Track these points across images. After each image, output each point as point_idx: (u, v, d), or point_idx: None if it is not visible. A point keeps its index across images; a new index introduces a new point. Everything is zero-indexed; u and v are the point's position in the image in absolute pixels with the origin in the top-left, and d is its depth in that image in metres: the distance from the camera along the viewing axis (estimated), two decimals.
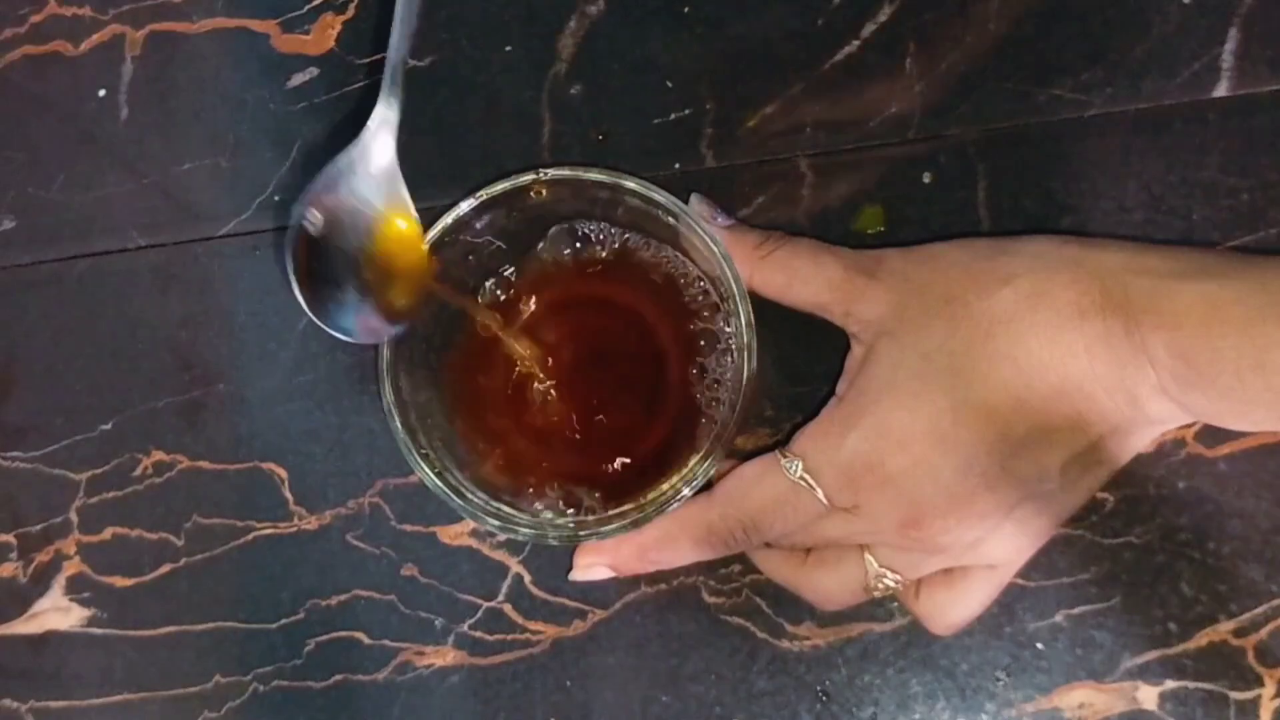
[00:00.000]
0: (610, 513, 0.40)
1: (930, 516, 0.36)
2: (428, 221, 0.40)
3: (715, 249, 0.39)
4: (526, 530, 0.39)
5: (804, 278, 0.39)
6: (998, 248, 0.38)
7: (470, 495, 0.39)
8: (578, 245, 0.42)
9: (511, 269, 0.42)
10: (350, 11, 0.46)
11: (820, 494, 0.37)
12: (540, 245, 0.42)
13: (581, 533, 0.39)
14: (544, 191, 0.40)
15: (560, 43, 0.45)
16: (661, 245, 0.42)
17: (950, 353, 0.36)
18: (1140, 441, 0.38)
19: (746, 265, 0.40)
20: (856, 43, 0.44)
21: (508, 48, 0.45)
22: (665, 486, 0.40)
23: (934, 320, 0.37)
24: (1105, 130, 0.43)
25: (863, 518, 0.37)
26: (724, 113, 0.44)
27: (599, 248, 0.42)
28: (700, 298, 0.42)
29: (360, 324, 0.36)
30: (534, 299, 0.42)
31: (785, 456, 0.38)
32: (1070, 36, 0.43)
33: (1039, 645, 0.41)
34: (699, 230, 0.39)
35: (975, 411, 0.35)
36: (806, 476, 0.37)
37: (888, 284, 0.38)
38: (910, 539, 0.37)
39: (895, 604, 0.42)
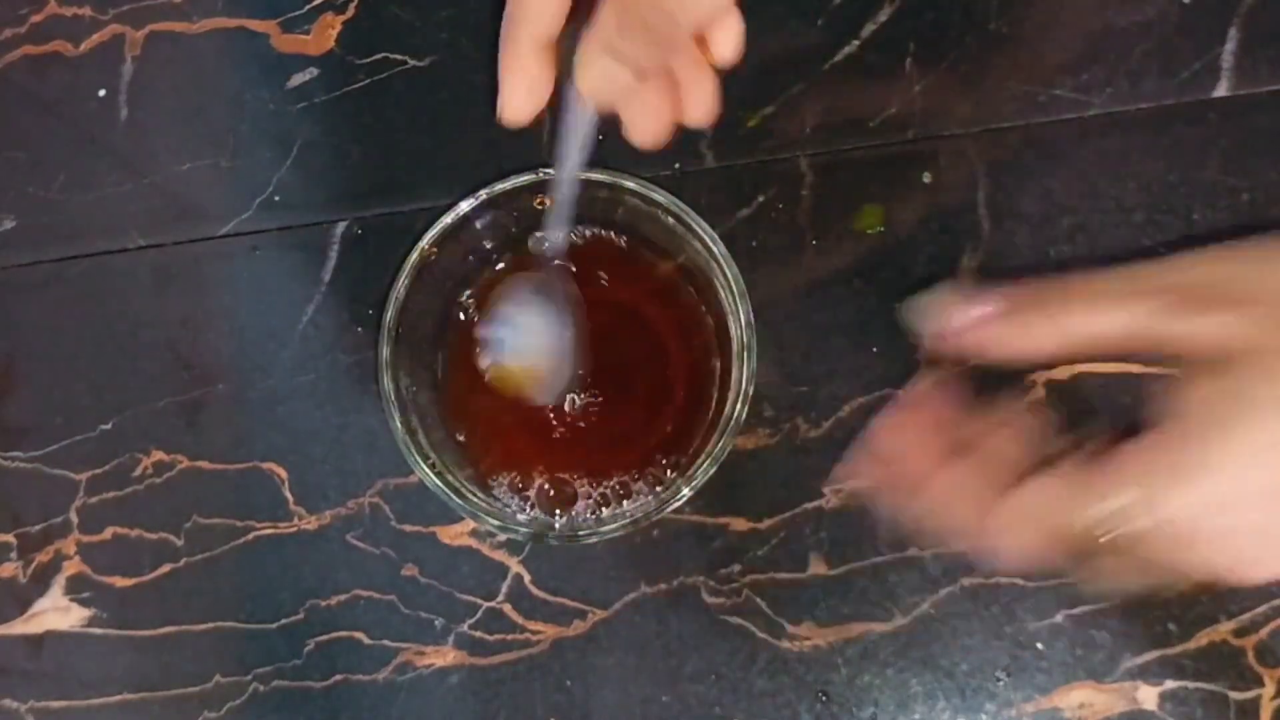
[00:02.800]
0: (609, 513, 0.41)
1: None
2: (428, 221, 0.40)
3: (715, 248, 0.39)
4: (525, 530, 0.39)
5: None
6: None
7: (470, 495, 0.39)
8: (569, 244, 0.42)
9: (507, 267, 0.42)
10: (350, 11, 0.46)
11: None
12: (536, 244, 0.42)
13: (580, 533, 0.39)
14: (548, 202, 0.39)
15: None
16: (660, 245, 0.42)
17: None
18: None
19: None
20: (856, 43, 0.44)
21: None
22: (665, 486, 0.40)
23: None
24: (1105, 130, 0.43)
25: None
26: (724, 113, 0.42)
27: (597, 248, 0.42)
28: (699, 297, 0.42)
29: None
30: None
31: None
32: (1071, 37, 0.43)
33: (1039, 645, 0.41)
34: (697, 229, 0.39)
35: None
36: None
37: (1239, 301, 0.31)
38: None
39: (894, 605, 0.42)
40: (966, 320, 0.34)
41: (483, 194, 0.40)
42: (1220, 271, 0.32)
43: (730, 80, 0.43)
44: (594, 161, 0.37)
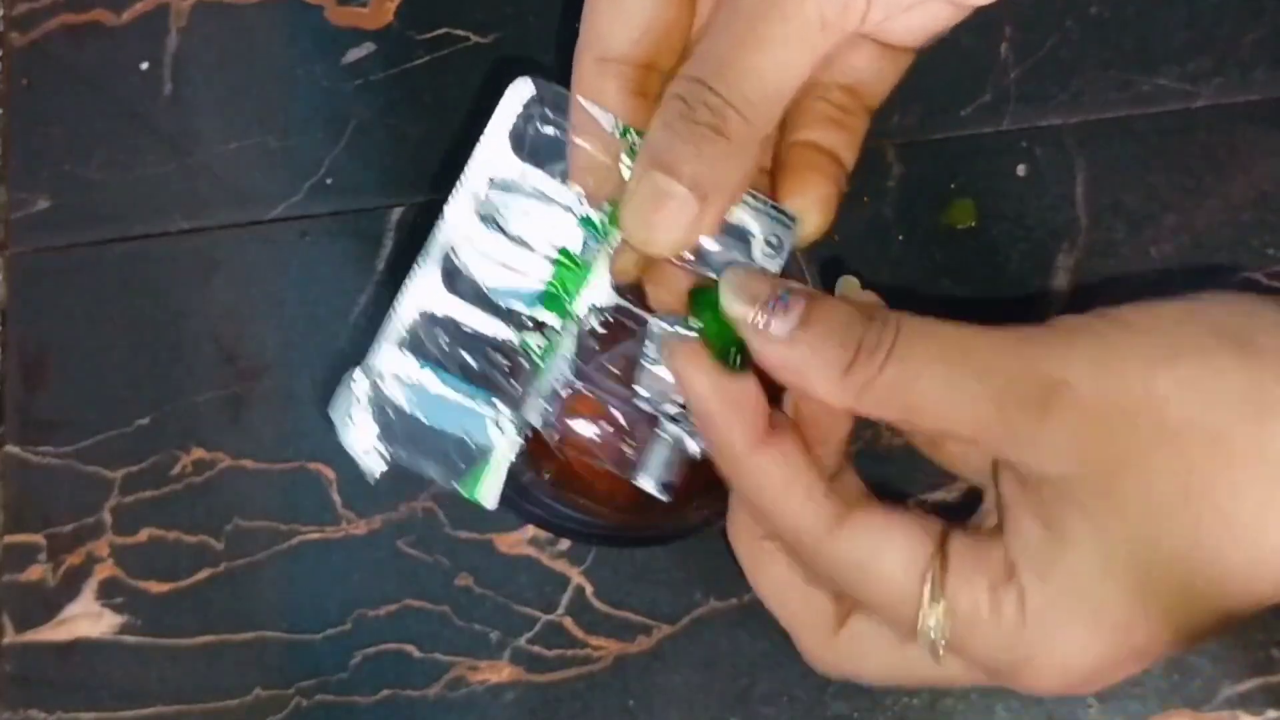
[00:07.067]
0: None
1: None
2: None
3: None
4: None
5: (933, 412, 0.27)
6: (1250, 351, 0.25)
7: (530, 499, 0.39)
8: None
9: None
10: None
11: (940, 658, 0.28)
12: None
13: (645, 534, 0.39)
14: None
15: None
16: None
17: (1185, 534, 0.25)
18: None
19: (838, 394, 0.27)
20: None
21: (577, 24, 0.44)
22: None
23: (1156, 475, 0.25)
24: (1213, 123, 0.42)
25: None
26: None
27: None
28: None
29: None
30: None
31: (932, 600, 0.27)
32: (1177, 22, 0.42)
33: None
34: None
35: (1206, 622, 0.26)
36: (942, 643, 0.28)
37: (1071, 423, 0.26)
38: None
39: None
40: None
41: None
42: (1080, 382, 0.26)
43: None
44: None
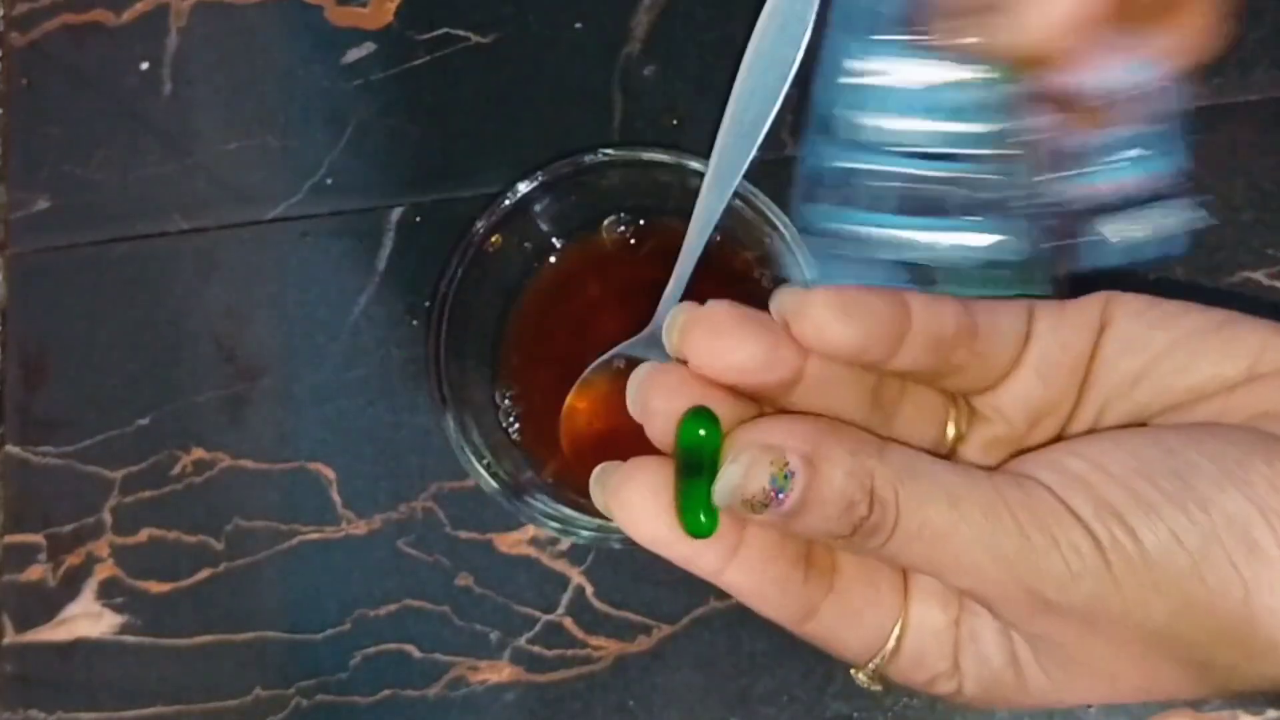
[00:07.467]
0: None
1: None
2: (483, 206, 0.40)
3: (794, 242, 0.37)
4: (587, 534, 0.38)
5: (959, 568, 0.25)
6: None
7: (529, 498, 0.39)
8: (632, 230, 0.42)
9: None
10: None
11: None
12: (598, 230, 0.42)
13: None
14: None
15: (634, 21, 0.45)
16: (737, 237, 0.41)
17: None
18: None
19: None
20: None
21: (578, 25, 0.45)
22: None
23: None
24: (1212, 123, 0.41)
25: None
26: (807, 98, 0.42)
27: (669, 237, 0.41)
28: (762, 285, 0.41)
29: None
30: (592, 284, 0.42)
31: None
32: None
33: None
34: (775, 221, 0.38)
35: None
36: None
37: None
38: None
39: None
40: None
41: (539, 175, 0.39)
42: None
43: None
44: (663, 145, 0.37)
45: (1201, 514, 0.24)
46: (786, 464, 0.23)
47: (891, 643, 0.27)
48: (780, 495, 0.24)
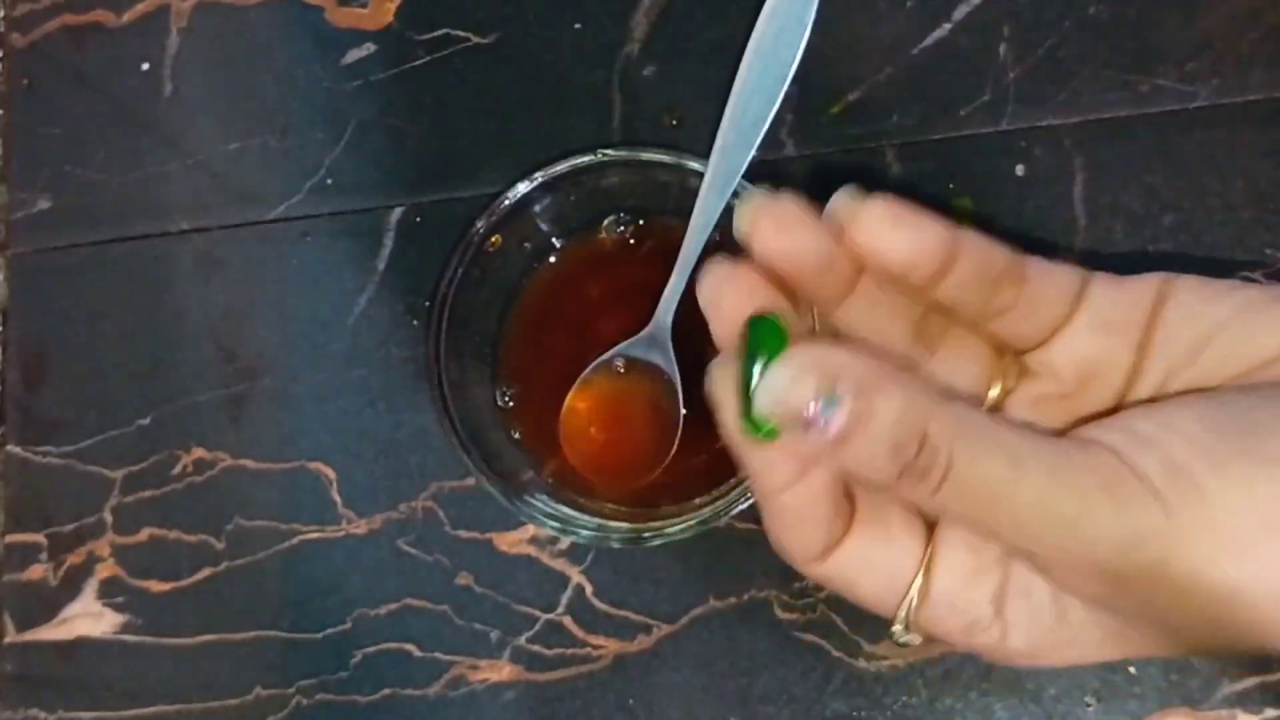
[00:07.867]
0: (671, 507, 0.40)
1: None
2: (483, 206, 0.40)
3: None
4: (587, 533, 0.39)
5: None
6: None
7: (529, 497, 0.39)
8: (632, 230, 0.42)
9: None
10: None
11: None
12: (597, 230, 0.42)
13: (645, 534, 0.38)
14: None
15: (633, 21, 0.45)
16: (721, 230, 0.40)
17: None
18: None
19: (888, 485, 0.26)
20: (948, 26, 0.43)
21: (577, 25, 0.45)
22: (733, 485, 0.39)
23: None
24: (1211, 123, 0.41)
25: None
26: (806, 98, 0.43)
27: (666, 237, 0.41)
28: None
29: None
30: (592, 284, 0.42)
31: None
32: (1175, 23, 0.42)
33: (1131, 669, 0.40)
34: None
35: None
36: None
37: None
38: None
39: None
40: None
41: (538, 176, 0.39)
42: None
43: (812, 63, 0.42)
44: (662, 145, 0.37)
45: (1274, 468, 0.24)
46: (835, 386, 0.24)
47: (915, 588, 0.27)
48: (825, 421, 0.24)
